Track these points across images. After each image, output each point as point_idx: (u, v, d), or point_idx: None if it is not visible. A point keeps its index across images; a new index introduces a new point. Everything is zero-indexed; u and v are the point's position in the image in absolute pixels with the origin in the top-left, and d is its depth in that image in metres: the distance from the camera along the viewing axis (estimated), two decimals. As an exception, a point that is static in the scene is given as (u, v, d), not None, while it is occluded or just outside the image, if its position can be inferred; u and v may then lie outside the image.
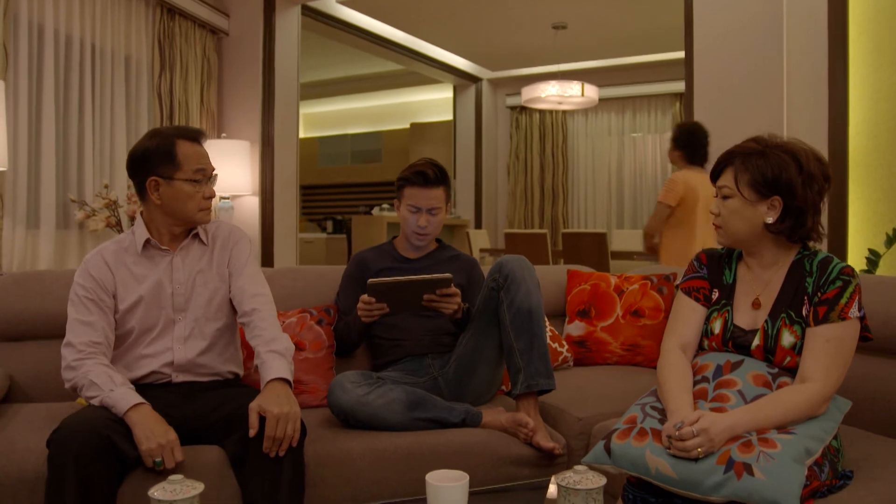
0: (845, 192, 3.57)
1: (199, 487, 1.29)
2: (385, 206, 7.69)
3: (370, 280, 2.07)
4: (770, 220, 1.63)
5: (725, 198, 1.67)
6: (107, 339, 1.88)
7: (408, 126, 9.60)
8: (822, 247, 3.47)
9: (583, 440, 2.10)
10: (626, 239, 7.26)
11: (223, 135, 4.95)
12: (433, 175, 2.35)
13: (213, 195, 1.97)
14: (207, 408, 1.87)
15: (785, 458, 1.38)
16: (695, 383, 1.62)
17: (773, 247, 1.68)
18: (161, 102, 4.53)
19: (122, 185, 4.11)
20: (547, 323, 2.71)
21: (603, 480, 1.35)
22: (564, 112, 8.21)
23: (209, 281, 1.99)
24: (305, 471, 1.78)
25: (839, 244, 3.56)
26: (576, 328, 2.76)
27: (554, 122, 8.27)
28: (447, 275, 2.11)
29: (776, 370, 1.59)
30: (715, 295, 1.75)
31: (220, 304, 1.99)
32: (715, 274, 1.77)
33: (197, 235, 2.01)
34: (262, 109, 5.02)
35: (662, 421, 1.54)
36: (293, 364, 1.88)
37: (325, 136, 10.60)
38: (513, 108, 8.42)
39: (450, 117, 8.73)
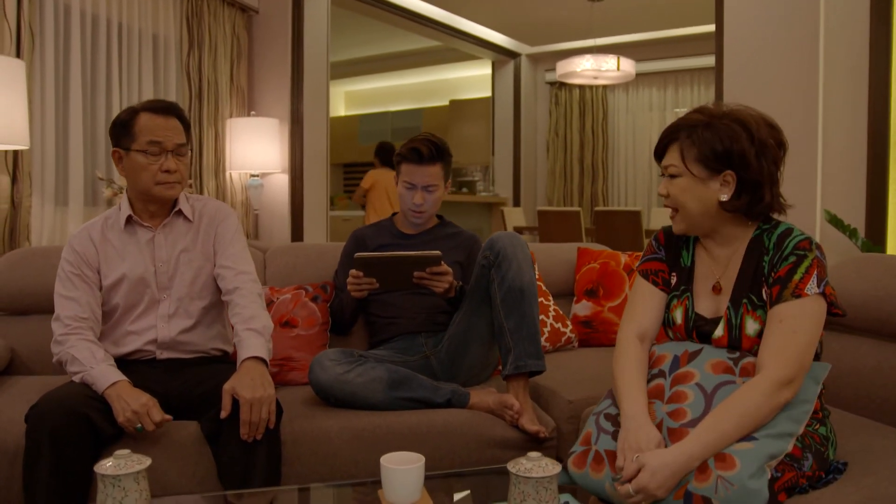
0: (885, 172, 3.37)
1: (145, 462, 1.29)
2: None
3: (356, 254, 2.06)
4: (724, 197, 1.48)
5: (672, 177, 1.53)
6: (93, 314, 1.90)
7: (447, 103, 9.52)
8: (859, 226, 3.30)
9: (573, 423, 2.05)
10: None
11: (252, 112, 4.98)
12: (428, 152, 2.30)
13: (171, 169, 1.91)
14: (190, 384, 1.88)
15: (743, 480, 1.28)
16: (651, 377, 1.52)
17: (729, 226, 1.54)
18: (190, 81, 4.57)
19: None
20: (552, 302, 2.65)
21: (557, 469, 1.29)
22: (604, 87, 8.01)
23: (193, 259, 1.99)
24: (282, 449, 1.78)
25: (878, 228, 3.38)
26: (583, 308, 2.70)
27: (594, 98, 8.09)
28: (436, 252, 2.07)
29: (737, 354, 1.47)
30: (673, 279, 1.63)
31: (204, 283, 1.99)
32: (673, 256, 1.65)
33: (181, 212, 2.01)
34: (291, 87, 5.03)
35: (615, 434, 1.45)
36: (272, 342, 1.87)
37: (366, 114, 10.60)
38: (552, 83, 8.26)
39: (489, 94, 8.62)
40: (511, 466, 1.29)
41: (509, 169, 8.22)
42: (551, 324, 2.57)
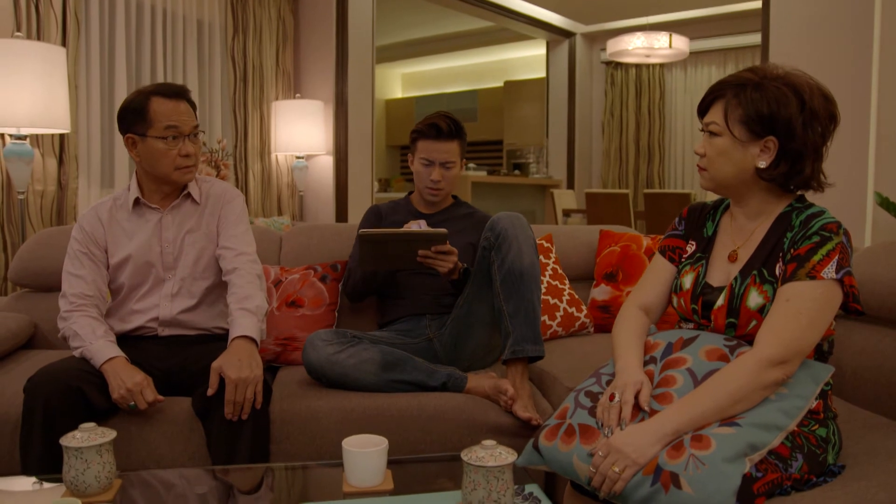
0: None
1: (108, 435, 1.32)
2: (471, 165, 7.57)
3: (361, 230, 2.04)
4: (762, 164, 1.42)
5: (712, 135, 1.47)
6: (99, 292, 1.96)
7: (502, 84, 9.42)
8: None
9: (572, 410, 1.99)
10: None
11: (297, 95, 5.04)
12: (446, 128, 2.29)
13: (190, 153, 1.94)
14: (190, 361, 1.92)
15: (716, 461, 1.20)
16: (644, 364, 1.46)
17: (761, 195, 1.48)
18: (234, 65, 4.65)
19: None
20: (567, 286, 2.59)
21: (511, 458, 1.26)
22: (661, 66, 7.76)
23: (197, 241, 2.02)
24: (270, 429, 1.80)
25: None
26: (601, 292, 2.63)
27: (650, 78, 7.84)
28: (441, 230, 2.05)
29: (734, 342, 1.40)
30: (691, 248, 1.58)
31: (207, 264, 2.02)
32: (695, 228, 1.60)
33: (189, 195, 2.04)
34: (336, 69, 5.05)
35: (593, 410, 1.40)
36: (265, 323, 1.89)
37: (422, 96, 10.60)
38: (607, 63, 8.04)
39: (543, 74, 8.46)
40: (464, 454, 1.26)
41: (563, 150, 8.08)
42: (565, 308, 2.52)
